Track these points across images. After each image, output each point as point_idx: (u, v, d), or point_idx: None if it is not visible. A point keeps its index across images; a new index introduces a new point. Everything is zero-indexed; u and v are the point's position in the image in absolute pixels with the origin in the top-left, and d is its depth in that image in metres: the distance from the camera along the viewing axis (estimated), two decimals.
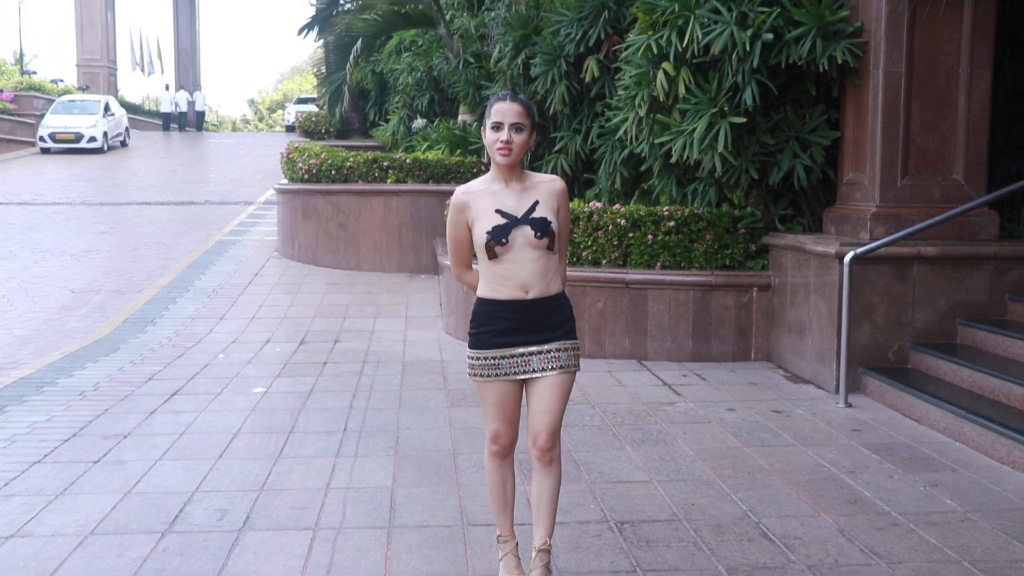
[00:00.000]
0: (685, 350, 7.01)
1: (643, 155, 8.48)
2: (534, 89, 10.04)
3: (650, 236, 7.57)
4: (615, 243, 7.63)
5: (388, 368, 6.83)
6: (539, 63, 9.76)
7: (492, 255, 3.67)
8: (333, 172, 12.70)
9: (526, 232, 3.65)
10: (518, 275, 3.67)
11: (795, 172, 6.57)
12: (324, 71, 17.40)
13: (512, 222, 3.67)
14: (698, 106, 6.84)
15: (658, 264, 7.58)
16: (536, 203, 3.70)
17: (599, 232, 7.56)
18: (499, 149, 3.64)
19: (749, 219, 7.16)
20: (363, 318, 9.58)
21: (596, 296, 7.60)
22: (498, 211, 3.67)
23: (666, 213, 7.54)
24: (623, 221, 7.61)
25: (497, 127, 3.66)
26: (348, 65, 15.27)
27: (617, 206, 7.79)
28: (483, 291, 3.71)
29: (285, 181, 13.68)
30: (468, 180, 12.67)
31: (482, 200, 3.71)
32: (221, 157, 21.47)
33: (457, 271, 3.90)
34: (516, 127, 3.69)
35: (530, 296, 3.67)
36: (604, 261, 7.62)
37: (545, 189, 3.79)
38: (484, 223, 3.64)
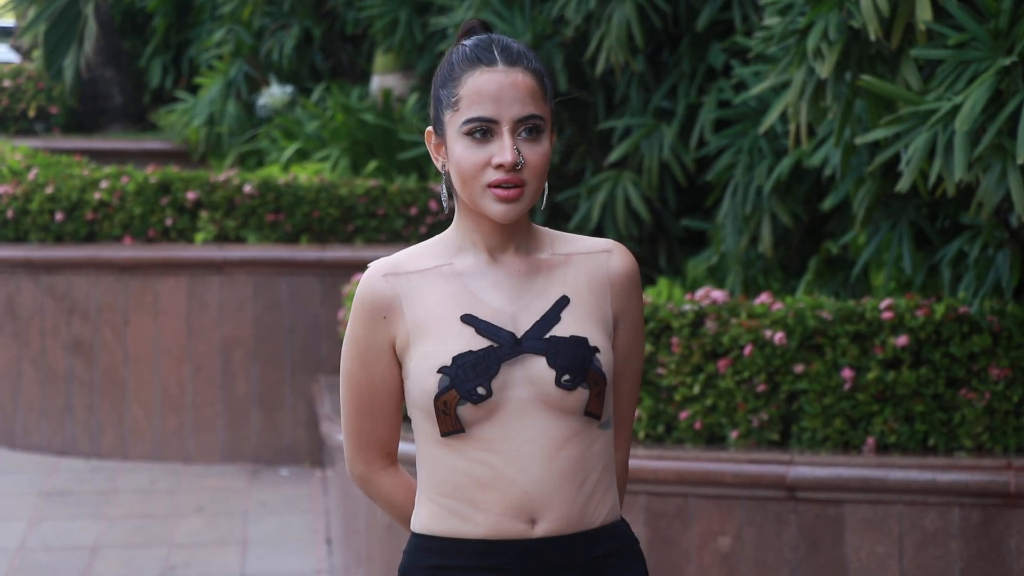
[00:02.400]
0: None
1: (827, 174, 5.82)
2: (559, 13, 6.88)
3: (847, 372, 5.05)
4: (761, 391, 5.12)
5: None
6: None
7: (452, 426, 2.44)
8: (59, 216, 8.28)
9: (535, 372, 2.45)
10: (512, 477, 2.44)
11: None
12: None
13: (504, 346, 2.45)
14: (967, 52, 4.43)
15: (869, 442, 5.04)
16: (563, 301, 2.49)
17: (720, 363, 5.16)
18: (498, 185, 2.40)
19: None
20: None
21: (713, 519, 5.09)
22: (468, 319, 2.45)
23: (887, 316, 5.09)
24: (780, 336, 5.08)
25: (483, 131, 2.42)
26: None
27: (764, 297, 5.28)
28: (427, 517, 2.51)
29: None
30: (396, 238, 8.41)
31: (433, 292, 2.50)
32: None
33: (361, 467, 2.61)
34: (530, 127, 2.43)
35: (541, 531, 2.44)
36: (735, 434, 5.17)
37: (586, 269, 2.55)
38: (435, 347, 2.46)
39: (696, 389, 5.20)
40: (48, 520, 7.22)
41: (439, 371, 2.39)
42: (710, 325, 5.20)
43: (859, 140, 4.86)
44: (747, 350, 5.09)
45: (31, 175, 8.32)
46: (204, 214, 8.15)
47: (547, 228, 2.59)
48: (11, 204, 8.26)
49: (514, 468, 2.41)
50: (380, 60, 9.97)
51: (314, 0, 10.77)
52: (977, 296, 5.24)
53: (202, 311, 8.00)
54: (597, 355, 2.43)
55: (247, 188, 8.17)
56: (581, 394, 2.41)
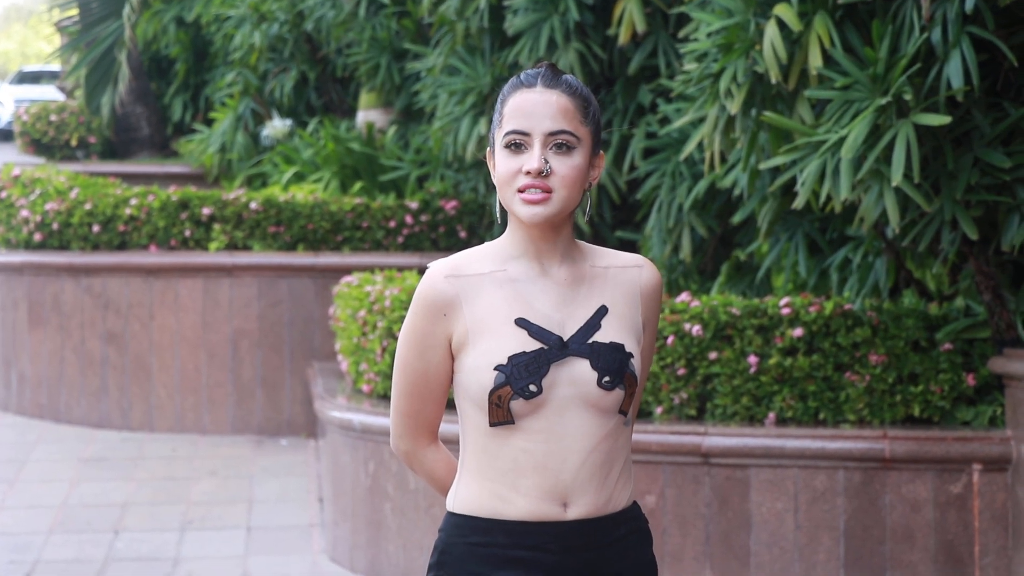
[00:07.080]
0: None
1: (736, 193, 5.81)
2: (514, 59, 6.97)
3: (753, 358, 5.01)
4: (682, 373, 5.11)
5: None
6: (524, 6, 6.83)
7: (502, 418, 2.33)
8: (95, 228, 8.53)
9: (578, 373, 2.36)
10: (551, 465, 2.35)
11: None
12: (77, 19, 12.08)
13: (552, 348, 2.36)
14: (851, 93, 4.46)
15: (770, 416, 5.01)
16: (603, 310, 2.40)
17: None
18: (524, 189, 2.34)
19: (960, 324, 4.99)
20: (157, 532, 6.47)
21: (641, 481, 5.07)
22: (522, 322, 2.35)
23: (786, 311, 5.06)
24: (697, 328, 5.06)
25: (518, 143, 2.35)
26: (127, 8, 10.64)
27: (684, 296, 5.27)
28: (469, 498, 2.41)
29: None
30: (377, 247, 8.63)
31: (489, 294, 2.39)
32: None
33: (407, 444, 2.51)
34: (560, 142, 2.34)
35: (573, 515, 2.37)
36: (659, 410, 5.15)
37: (621, 282, 2.46)
38: (492, 346, 2.36)
39: None
40: (86, 482, 7.25)
41: (495, 368, 2.30)
42: None
43: (762, 165, 4.89)
44: (670, 340, 5.10)
45: (73, 194, 8.43)
46: (217, 226, 8.29)
47: (585, 243, 2.51)
48: (56, 218, 8.39)
49: (554, 458, 2.33)
50: (364, 98, 10.15)
51: (309, 48, 10.94)
52: (859, 295, 5.32)
53: (215, 307, 8.13)
54: (632, 360, 2.37)
55: (253, 205, 8.32)
56: (618, 394, 2.34)
